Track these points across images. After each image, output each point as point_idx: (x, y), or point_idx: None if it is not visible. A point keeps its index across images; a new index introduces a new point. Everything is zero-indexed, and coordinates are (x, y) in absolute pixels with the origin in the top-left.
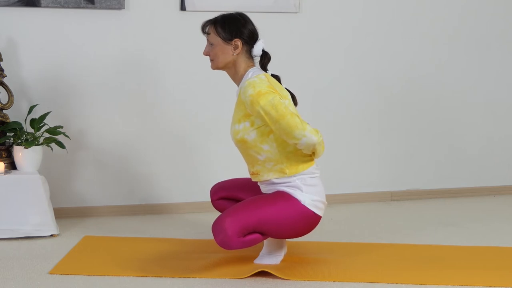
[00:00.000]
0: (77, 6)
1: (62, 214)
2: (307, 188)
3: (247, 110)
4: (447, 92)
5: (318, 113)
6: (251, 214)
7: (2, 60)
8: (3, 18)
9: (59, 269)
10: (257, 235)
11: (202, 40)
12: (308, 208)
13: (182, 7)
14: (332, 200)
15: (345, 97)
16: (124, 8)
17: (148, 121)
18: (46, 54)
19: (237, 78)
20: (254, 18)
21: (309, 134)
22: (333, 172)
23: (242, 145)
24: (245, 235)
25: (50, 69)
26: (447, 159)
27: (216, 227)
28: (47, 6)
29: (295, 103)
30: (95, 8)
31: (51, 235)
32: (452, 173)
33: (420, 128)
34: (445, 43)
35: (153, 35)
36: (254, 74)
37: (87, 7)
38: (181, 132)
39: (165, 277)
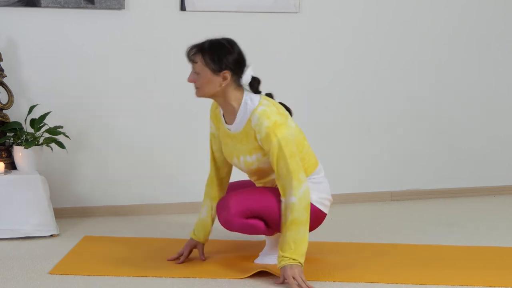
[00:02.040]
0: (77, 6)
1: (62, 214)
2: (313, 186)
3: (258, 142)
4: (447, 92)
5: (318, 113)
6: (257, 199)
7: (2, 60)
8: (3, 18)
9: (59, 269)
10: (260, 222)
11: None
12: (313, 205)
13: (182, 7)
14: (332, 200)
15: (345, 97)
16: (124, 8)
17: (148, 121)
18: (46, 54)
19: (228, 107)
20: (254, 18)
21: (308, 183)
22: (333, 172)
23: (258, 173)
24: (248, 218)
25: (50, 69)
26: (447, 159)
27: (221, 205)
28: (47, 6)
29: (291, 115)
30: (95, 8)
31: (51, 235)
32: (452, 173)
33: (420, 128)
34: (445, 43)
35: (153, 35)
36: (254, 100)
37: (87, 7)
38: (181, 132)
39: (165, 277)
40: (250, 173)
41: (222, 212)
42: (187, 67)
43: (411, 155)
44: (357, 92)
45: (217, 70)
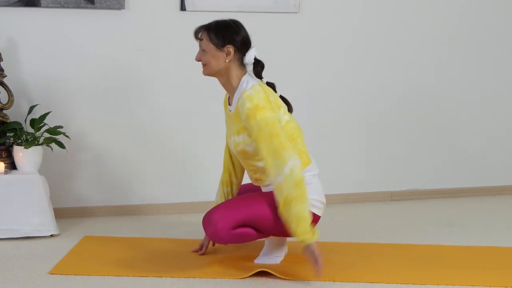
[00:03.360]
0: (77, 6)
1: (62, 214)
2: None
3: (243, 122)
4: (447, 92)
5: (318, 113)
6: (243, 208)
7: (2, 60)
8: (3, 18)
9: (59, 269)
10: (249, 229)
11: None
12: None
13: (182, 7)
14: (332, 200)
15: (345, 97)
16: (124, 8)
17: (148, 121)
18: (46, 54)
19: (229, 86)
20: (254, 18)
21: (297, 161)
22: (333, 172)
23: (243, 155)
24: (235, 228)
25: (50, 69)
26: (447, 159)
27: (206, 220)
28: (47, 6)
29: (290, 110)
30: (95, 8)
31: (51, 235)
32: (452, 173)
33: (420, 128)
34: (445, 43)
35: (153, 35)
36: (249, 83)
37: (87, 7)
38: (181, 132)
39: (165, 277)
40: (238, 155)
41: (209, 227)
42: (187, 67)
43: (411, 155)
44: (357, 92)
45: (221, 45)
